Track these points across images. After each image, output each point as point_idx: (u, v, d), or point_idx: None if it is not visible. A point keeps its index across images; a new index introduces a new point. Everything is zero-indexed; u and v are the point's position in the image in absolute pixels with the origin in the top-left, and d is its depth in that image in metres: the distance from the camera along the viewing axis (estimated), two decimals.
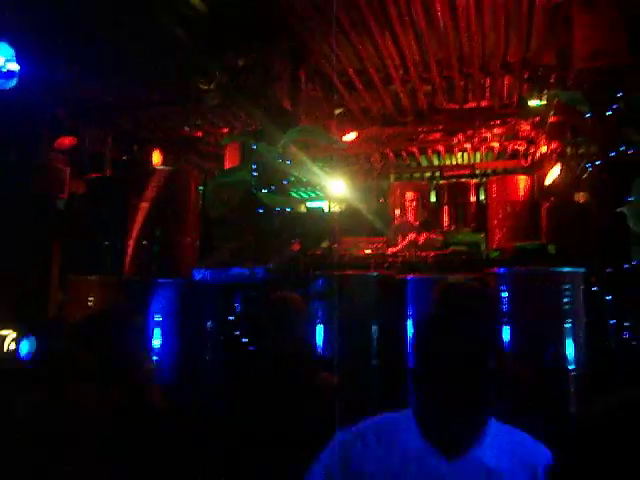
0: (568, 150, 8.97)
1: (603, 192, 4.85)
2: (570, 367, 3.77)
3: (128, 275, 6.36)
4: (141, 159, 7.90)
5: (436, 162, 11.44)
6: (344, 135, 8.23)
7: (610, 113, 4.67)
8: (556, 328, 3.83)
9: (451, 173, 11.31)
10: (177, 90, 6.82)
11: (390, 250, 6.57)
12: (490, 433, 1.27)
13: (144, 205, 6.51)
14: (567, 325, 3.83)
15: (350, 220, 10.00)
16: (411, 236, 6.66)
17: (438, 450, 1.24)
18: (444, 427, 1.26)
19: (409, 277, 4.39)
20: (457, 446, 1.24)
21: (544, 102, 7.34)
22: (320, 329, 4.38)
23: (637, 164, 4.50)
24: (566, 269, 3.99)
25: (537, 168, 9.76)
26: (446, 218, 10.36)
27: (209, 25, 5.72)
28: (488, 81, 7.67)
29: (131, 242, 6.56)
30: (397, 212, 8.73)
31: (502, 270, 4.09)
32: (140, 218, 6.52)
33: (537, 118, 8.46)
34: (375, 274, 4.94)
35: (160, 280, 5.07)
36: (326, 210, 11.67)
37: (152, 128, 8.49)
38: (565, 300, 3.86)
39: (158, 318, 4.84)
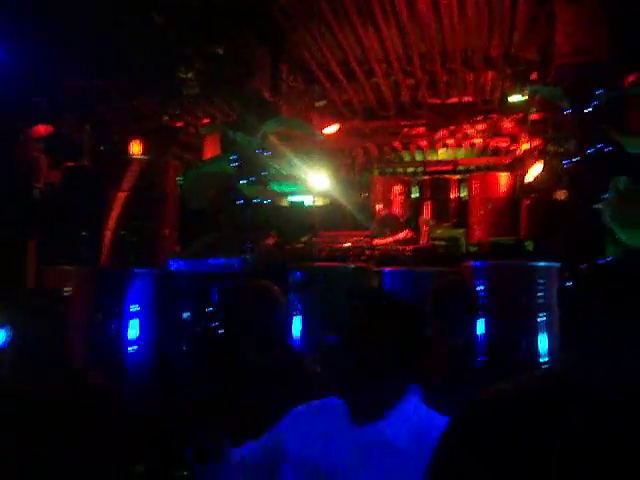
0: (549, 147, 9.03)
1: (580, 188, 4.87)
2: (543, 360, 3.78)
3: (105, 265, 6.28)
4: (120, 149, 7.78)
5: (419, 157, 11.44)
6: (325, 128, 8.19)
7: (589, 110, 4.69)
8: (530, 321, 3.84)
9: (433, 169, 11.30)
10: (156, 79, 6.72)
11: (376, 242, 6.56)
12: (401, 410, 1.33)
13: (122, 195, 6.42)
14: (542, 318, 3.84)
15: (332, 214, 9.99)
16: (402, 234, 6.66)
17: (354, 424, 1.33)
18: (356, 401, 1.34)
19: (385, 269, 4.38)
20: (364, 418, 1.33)
21: (526, 98, 7.36)
22: (297, 320, 4.35)
23: (614, 162, 4.52)
24: (541, 263, 4.00)
25: (518, 165, 9.79)
26: (427, 213, 10.36)
27: (190, 13, 5.66)
28: (471, 76, 7.68)
29: (108, 232, 6.47)
30: (379, 206, 8.72)
31: (477, 264, 4.09)
32: (118, 208, 6.44)
33: (519, 115, 8.49)
34: (352, 266, 4.92)
35: (137, 270, 5.01)
36: (308, 204, 11.65)
37: (131, 117, 8.38)
38: (539, 294, 3.87)
39: (135, 308, 4.79)
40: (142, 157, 6.97)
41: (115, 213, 6.41)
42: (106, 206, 6.47)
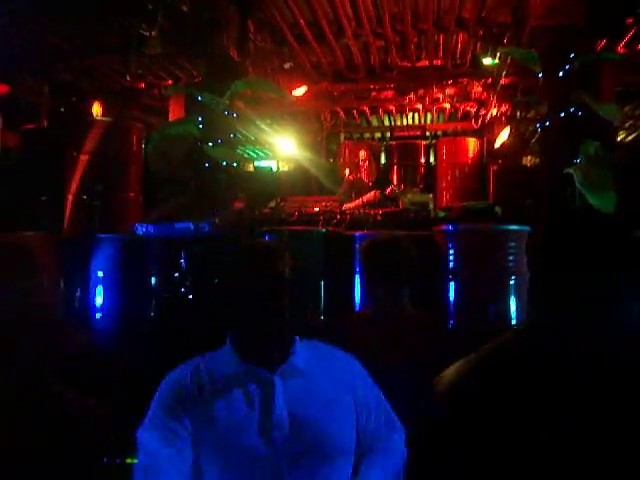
0: (518, 113, 9.07)
1: (550, 153, 4.88)
2: (513, 322, 3.82)
3: (67, 231, 6.10)
4: (80, 110, 7.48)
5: (387, 122, 11.38)
6: (293, 89, 8.01)
7: (562, 74, 4.66)
8: (500, 284, 3.86)
9: (401, 134, 11.26)
10: (117, 37, 6.43)
11: (345, 207, 6.50)
12: (301, 346, 1.51)
13: (83, 158, 6.21)
14: (511, 281, 3.87)
15: (299, 179, 9.90)
16: (371, 195, 6.59)
17: (260, 367, 1.45)
18: (261, 349, 1.47)
19: (357, 233, 4.33)
20: (275, 360, 1.46)
21: (497, 61, 7.31)
22: None
23: (585, 126, 4.53)
24: (511, 227, 4.01)
25: (487, 130, 9.84)
26: (395, 178, 10.35)
27: None
28: (442, 38, 7.58)
29: (70, 197, 6.27)
30: (347, 171, 8.65)
31: (449, 227, 4.07)
32: (79, 172, 6.23)
33: (489, 79, 8.46)
34: (324, 230, 4.86)
35: (101, 236, 4.85)
36: (275, 169, 11.51)
37: (91, 78, 8.05)
38: (510, 257, 3.88)
39: (100, 275, 4.66)
40: (103, 119, 6.71)
41: (76, 177, 6.20)
42: (67, 170, 6.25)
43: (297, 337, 1.54)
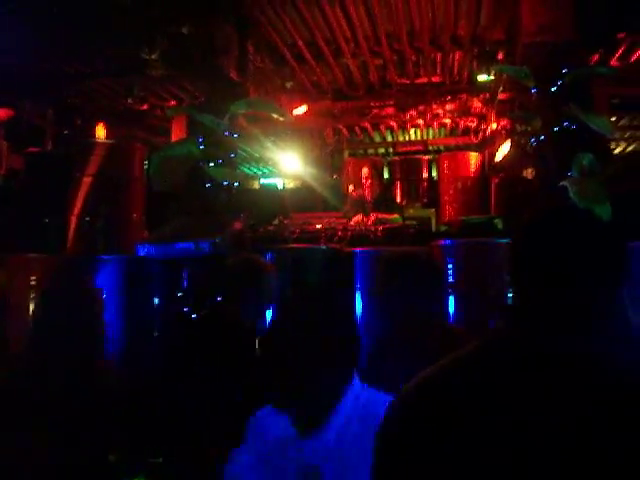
0: (517, 127, 9.13)
1: (545, 166, 4.92)
2: None
3: (71, 252, 6.16)
4: (84, 133, 7.60)
5: (389, 138, 11.46)
6: (294, 109, 8.12)
7: (555, 89, 4.71)
8: (499, 298, 3.88)
9: (404, 149, 11.35)
10: (120, 60, 6.56)
11: (351, 223, 6.57)
12: (347, 400, 1.30)
13: (87, 180, 6.29)
14: (510, 295, 3.88)
15: (303, 196, 9.96)
16: (358, 217, 6.66)
17: (299, 431, 1.28)
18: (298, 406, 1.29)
19: (357, 250, 4.38)
20: (311, 423, 1.28)
21: (493, 77, 7.39)
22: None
23: (578, 139, 4.57)
24: (508, 240, 4.03)
25: (487, 144, 9.89)
26: (399, 193, 10.41)
27: None
28: (439, 56, 7.67)
29: (73, 218, 6.34)
30: (351, 188, 8.71)
31: (447, 242, 4.11)
32: (83, 193, 6.30)
33: (487, 94, 8.54)
34: (324, 247, 4.92)
35: (104, 257, 4.92)
36: (280, 186, 11.59)
37: (95, 100, 8.18)
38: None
39: (103, 295, 4.72)
40: (107, 141, 6.82)
41: (80, 198, 6.28)
42: (70, 191, 6.32)
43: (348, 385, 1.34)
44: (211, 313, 2.57)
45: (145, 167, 6.61)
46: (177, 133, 8.11)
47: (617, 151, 10.51)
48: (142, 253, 5.20)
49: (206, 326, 2.43)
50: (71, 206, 6.25)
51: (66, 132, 7.81)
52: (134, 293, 4.71)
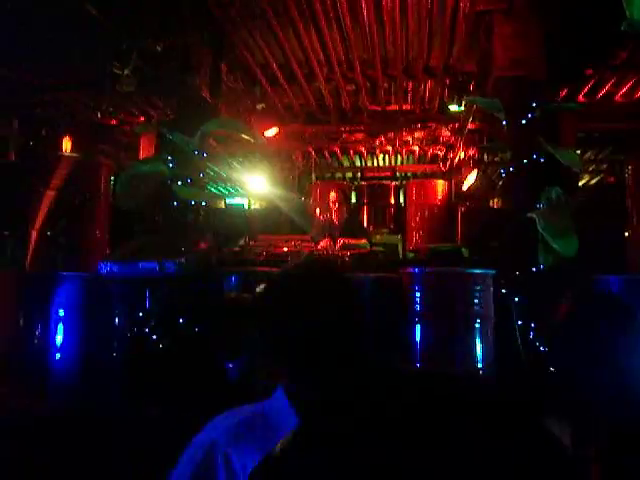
0: (485, 157, 9.30)
1: (514, 198, 4.99)
2: (478, 366, 3.83)
3: (30, 268, 5.97)
4: (49, 145, 7.42)
5: (358, 163, 11.54)
6: (265, 130, 8.09)
7: (524, 122, 4.81)
8: (466, 327, 3.88)
9: (372, 174, 11.44)
10: (90, 73, 6.44)
11: (319, 247, 6.50)
12: None
13: (50, 194, 6.13)
14: (476, 325, 3.89)
15: (270, 218, 9.91)
16: (326, 242, 6.62)
17: None
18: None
19: None
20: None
21: (463, 108, 7.52)
22: None
23: (547, 172, 4.66)
24: (477, 270, 4.06)
25: (455, 173, 10.05)
26: (366, 218, 10.45)
27: (126, 6, 5.45)
28: (411, 84, 7.77)
29: (34, 233, 6.16)
30: (318, 211, 8.70)
31: (415, 270, 4.10)
32: (45, 207, 6.14)
33: (456, 124, 8.68)
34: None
35: (64, 274, 4.76)
36: (246, 207, 11.52)
37: (62, 113, 8.01)
38: (475, 301, 3.92)
39: (61, 313, 4.55)
40: (72, 155, 6.66)
41: (42, 212, 6.11)
42: (33, 205, 6.15)
43: None
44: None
45: (112, 184, 6.48)
46: (145, 150, 8.00)
47: (581, 184, 10.80)
48: (104, 271, 5.05)
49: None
50: (32, 220, 6.07)
51: (31, 143, 7.61)
52: (94, 312, 4.56)
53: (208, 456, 1.14)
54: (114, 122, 8.43)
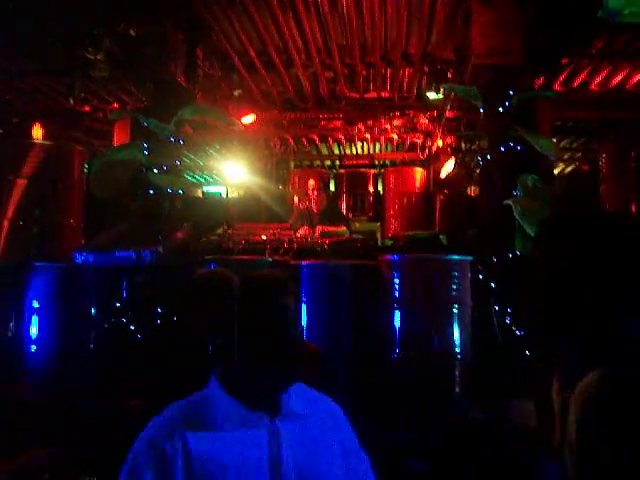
0: (462, 145, 9.35)
1: (491, 186, 5.02)
2: (456, 350, 3.86)
3: (2, 258, 5.86)
4: (20, 132, 7.25)
5: (336, 151, 11.50)
6: (242, 117, 8.01)
7: (501, 110, 4.83)
8: (444, 313, 3.91)
9: (350, 162, 11.42)
10: (61, 58, 6.28)
11: (297, 235, 6.48)
12: (295, 392, 1.44)
13: (21, 182, 6.01)
14: (454, 310, 3.92)
15: (247, 206, 9.84)
16: (304, 230, 6.60)
17: (257, 412, 1.36)
18: (268, 388, 1.40)
19: (303, 263, 4.32)
20: (274, 404, 1.39)
21: (441, 96, 7.52)
22: None
23: (524, 159, 4.69)
24: (454, 257, 4.08)
25: (433, 161, 10.08)
26: (344, 206, 10.45)
27: None
28: (389, 72, 7.75)
29: (6, 222, 6.03)
30: (296, 199, 8.66)
31: (394, 257, 4.11)
32: (17, 196, 6.01)
33: (435, 112, 8.69)
34: (270, 259, 4.84)
35: (38, 264, 4.67)
36: (224, 195, 11.42)
37: (33, 99, 7.83)
38: (453, 287, 3.95)
39: (36, 305, 4.48)
40: (44, 142, 6.52)
41: (14, 201, 5.98)
42: (3, 194, 6.02)
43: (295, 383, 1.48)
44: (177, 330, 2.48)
45: (85, 171, 6.36)
46: (119, 137, 7.85)
47: (556, 172, 10.92)
48: (79, 261, 4.97)
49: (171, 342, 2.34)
50: (4, 209, 5.95)
51: (1, 131, 7.43)
52: (69, 302, 4.49)
53: (149, 446, 1.32)
54: (87, 109, 8.26)
